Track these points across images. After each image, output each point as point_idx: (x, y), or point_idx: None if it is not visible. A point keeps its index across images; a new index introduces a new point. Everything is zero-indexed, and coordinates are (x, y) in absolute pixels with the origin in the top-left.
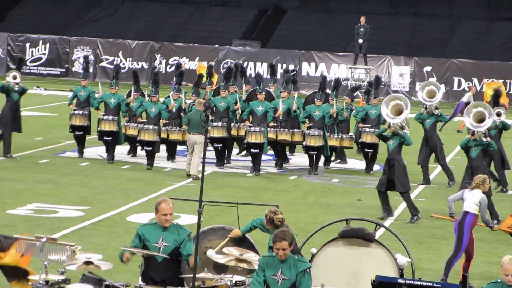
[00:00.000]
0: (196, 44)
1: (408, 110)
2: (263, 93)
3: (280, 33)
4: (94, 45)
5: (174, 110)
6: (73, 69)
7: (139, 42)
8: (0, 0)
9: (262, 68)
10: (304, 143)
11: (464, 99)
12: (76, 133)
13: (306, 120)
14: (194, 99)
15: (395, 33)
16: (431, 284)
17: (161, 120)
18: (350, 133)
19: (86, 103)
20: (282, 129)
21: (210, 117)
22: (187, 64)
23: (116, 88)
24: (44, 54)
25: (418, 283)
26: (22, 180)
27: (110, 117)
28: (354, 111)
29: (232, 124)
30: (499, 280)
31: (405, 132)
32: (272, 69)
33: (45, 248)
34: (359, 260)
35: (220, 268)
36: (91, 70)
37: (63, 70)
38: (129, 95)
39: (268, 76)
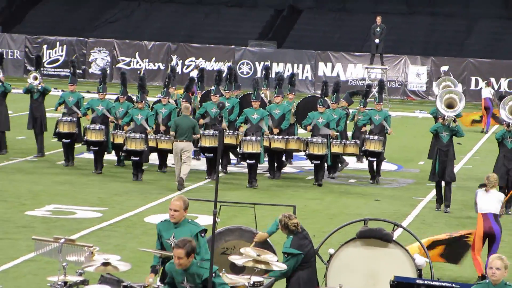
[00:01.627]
0: (212, 45)
1: (462, 103)
2: (258, 100)
3: (296, 33)
4: (111, 46)
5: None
6: (90, 70)
7: (156, 43)
8: (17, 2)
9: (279, 69)
10: (306, 151)
11: (486, 94)
12: (64, 140)
13: (308, 127)
14: (185, 104)
15: (411, 32)
16: (449, 284)
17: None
18: (355, 140)
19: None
20: (276, 137)
21: (203, 121)
22: (203, 65)
23: (104, 94)
24: (61, 55)
25: (437, 283)
26: (40, 182)
27: (97, 126)
28: (350, 116)
29: (226, 132)
30: (487, 281)
31: (457, 124)
32: (266, 72)
33: (63, 249)
34: (377, 260)
35: (238, 269)
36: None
37: (80, 71)
38: (117, 100)
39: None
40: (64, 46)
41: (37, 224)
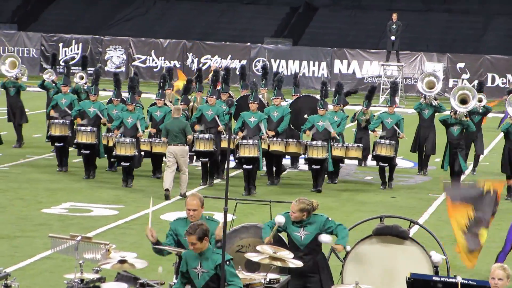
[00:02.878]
0: (228, 43)
1: (475, 100)
2: (256, 102)
3: (311, 31)
4: (127, 44)
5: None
6: (106, 68)
7: (171, 41)
8: (33, 0)
9: (294, 66)
10: (305, 155)
11: None
12: (56, 144)
13: (310, 133)
14: (184, 107)
15: (427, 29)
16: (466, 281)
17: (149, 130)
18: (357, 143)
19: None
20: (275, 139)
21: (198, 127)
22: (219, 62)
23: (96, 95)
24: (77, 53)
25: (454, 280)
26: (57, 180)
27: (89, 128)
28: (349, 118)
29: (224, 136)
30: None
31: (468, 120)
32: (265, 70)
33: (79, 247)
34: (393, 257)
35: (253, 267)
36: (86, 75)
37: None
38: (110, 102)
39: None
40: (80, 44)
41: (53, 221)
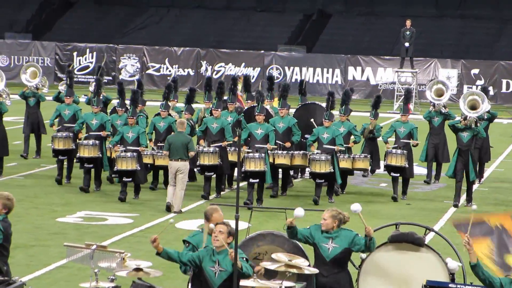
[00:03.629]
0: (241, 50)
1: (484, 105)
2: (263, 113)
3: (325, 38)
4: (141, 52)
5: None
6: (120, 77)
7: (185, 49)
8: (47, 9)
9: (308, 73)
10: (309, 169)
11: None
12: (60, 157)
13: (314, 144)
14: (188, 117)
15: (441, 35)
16: None
17: (149, 143)
18: (364, 154)
19: (72, 123)
20: (280, 152)
21: (203, 143)
22: (232, 70)
23: (98, 107)
24: (91, 62)
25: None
26: (72, 188)
27: (91, 142)
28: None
29: (228, 149)
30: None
31: (479, 126)
32: (271, 81)
33: (95, 256)
34: (409, 264)
35: (270, 274)
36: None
37: (110, 78)
38: (113, 111)
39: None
40: (94, 53)
41: (69, 230)
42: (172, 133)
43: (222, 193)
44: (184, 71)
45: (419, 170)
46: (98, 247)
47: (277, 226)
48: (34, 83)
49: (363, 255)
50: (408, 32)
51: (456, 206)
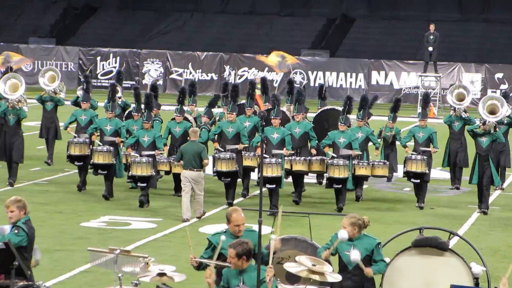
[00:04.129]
0: (265, 55)
1: (504, 110)
2: (278, 117)
3: (349, 42)
4: (164, 57)
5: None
6: (144, 81)
7: (208, 53)
8: (71, 14)
9: (332, 78)
10: (326, 174)
11: None
12: (76, 163)
13: (330, 153)
14: (205, 121)
15: (465, 40)
16: None
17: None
18: (383, 160)
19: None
20: (297, 158)
21: (214, 145)
22: (256, 75)
23: (113, 112)
24: (115, 67)
25: None
26: (95, 193)
27: (105, 148)
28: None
29: (245, 154)
30: None
31: (497, 131)
32: (291, 85)
33: (118, 260)
34: (433, 269)
35: (293, 279)
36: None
37: (134, 82)
38: (128, 116)
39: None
40: (118, 58)
41: (92, 235)
42: (189, 138)
43: (237, 200)
44: (208, 76)
45: (442, 174)
46: (121, 252)
47: (301, 231)
48: (52, 87)
49: (387, 259)
50: (431, 37)
51: (485, 213)
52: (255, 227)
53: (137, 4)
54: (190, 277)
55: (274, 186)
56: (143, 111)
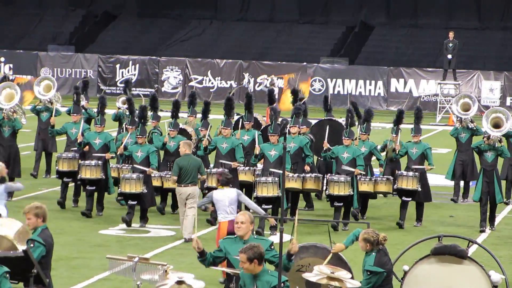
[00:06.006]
0: (284, 62)
1: (509, 123)
2: (277, 133)
3: (368, 50)
4: (183, 65)
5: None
6: (163, 89)
7: (228, 61)
8: (90, 22)
9: (351, 85)
10: (326, 191)
11: None
12: (65, 179)
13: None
14: (204, 133)
15: (484, 47)
16: None
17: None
18: (387, 176)
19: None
20: (291, 175)
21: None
22: (275, 82)
23: (102, 126)
24: (134, 74)
25: None
26: (113, 200)
27: (93, 162)
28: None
29: (241, 168)
30: None
31: (502, 145)
32: (295, 96)
33: (137, 268)
34: (452, 277)
35: (314, 286)
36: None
37: (153, 90)
38: (122, 130)
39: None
40: (137, 65)
41: (111, 243)
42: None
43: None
44: (227, 83)
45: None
46: (140, 259)
47: (320, 238)
48: (48, 97)
49: (406, 267)
50: (451, 44)
51: (483, 231)
52: (273, 238)
53: (157, 12)
54: (208, 284)
55: (270, 206)
56: (136, 125)
